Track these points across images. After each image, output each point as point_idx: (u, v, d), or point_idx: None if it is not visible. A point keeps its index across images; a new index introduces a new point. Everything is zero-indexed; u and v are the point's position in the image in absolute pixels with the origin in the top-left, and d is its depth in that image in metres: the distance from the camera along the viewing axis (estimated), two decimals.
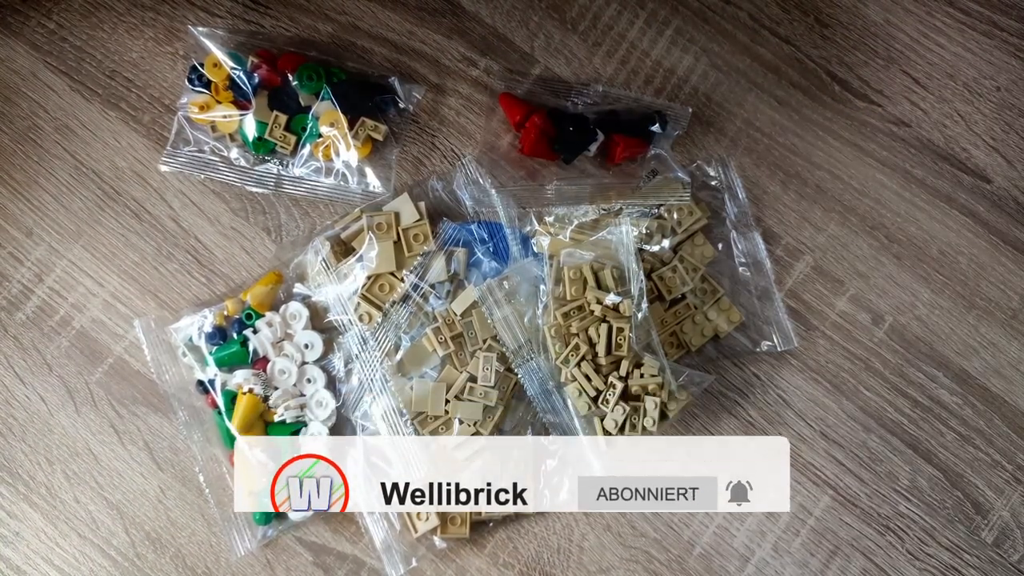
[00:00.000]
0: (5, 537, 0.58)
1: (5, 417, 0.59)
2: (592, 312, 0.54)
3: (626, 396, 0.54)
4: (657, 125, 0.59)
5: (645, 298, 0.54)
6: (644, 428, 0.53)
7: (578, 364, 0.54)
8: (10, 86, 0.61)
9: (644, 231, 0.57)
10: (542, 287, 0.56)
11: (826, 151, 0.61)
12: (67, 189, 0.60)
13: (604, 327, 0.53)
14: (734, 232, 0.59)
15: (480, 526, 0.57)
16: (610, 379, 0.53)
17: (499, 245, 0.59)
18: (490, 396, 0.56)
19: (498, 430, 0.57)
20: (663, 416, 0.54)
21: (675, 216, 0.58)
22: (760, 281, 0.59)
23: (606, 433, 0.54)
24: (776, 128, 0.61)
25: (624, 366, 0.53)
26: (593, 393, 0.54)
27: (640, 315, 0.54)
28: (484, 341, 0.57)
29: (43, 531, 0.58)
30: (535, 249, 0.58)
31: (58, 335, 0.59)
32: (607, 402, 0.53)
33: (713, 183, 0.60)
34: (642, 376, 0.53)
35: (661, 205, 0.58)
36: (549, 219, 0.58)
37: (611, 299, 0.54)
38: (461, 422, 0.56)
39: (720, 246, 0.59)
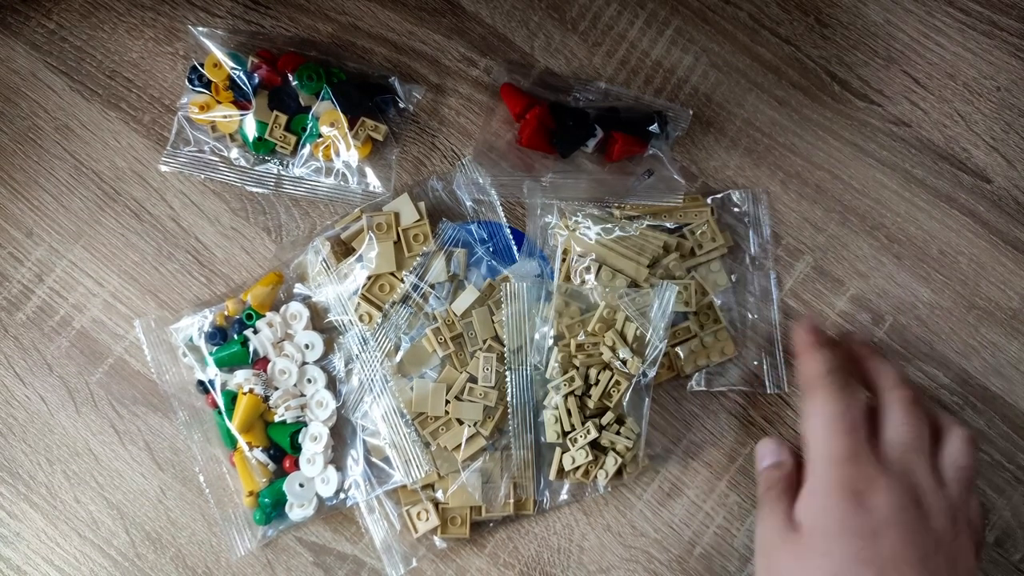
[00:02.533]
0: (5, 537, 0.58)
1: (5, 417, 0.59)
2: (601, 354, 0.54)
3: (595, 443, 0.54)
4: (656, 126, 0.58)
5: (656, 368, 0.54)
6: (595, 480, 0.55)
7: (566, 396, 0.54)
8: (10, 86, 0.61)
9: (661, 248, 0.57)
10: (542, 298, 0.56)
11: (826, 151, 0.61)
12: (67, 189, 0.60)
13: (607, 374, 0.53)
14: (750, 267, 0.59)
15: (480, 526, 0.57)
16: (588, 424, 0.54)
17: (499, 245, 0.59)
18: (490, 396, 0.56)
19: (498, 430, 0.57)
20: (618, 474, 0.55)
21: (697, 238, 0.58)
22: (765, 318, 0.59)
23: (560, 468, 0.55)
24: (776, 128, 0.61)
25: (607, 417, 0.54)
26: (567, 428, 0.54)
27: (644, 380, 0.54)
28: (484, 341, 0.57)
29: (43, 531, 0.58)
30: (550, 241, 0.58)
31: (58, 335, 0.59)
32: (575, 442, 0.54)
33: (738, 210, 0.59)
34: (618, 433, 0.54)
35: (688, 224, 0.58)
36: (574, 215, 0.58)
37: (625, 353, 0.54)
38: (461, 422, 0.56)
39: (734, 277, 0.59)
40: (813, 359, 0.50)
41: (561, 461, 0.55)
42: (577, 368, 0.54)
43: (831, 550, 0.44)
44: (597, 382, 0.54)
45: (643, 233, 0.57)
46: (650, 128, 0.59)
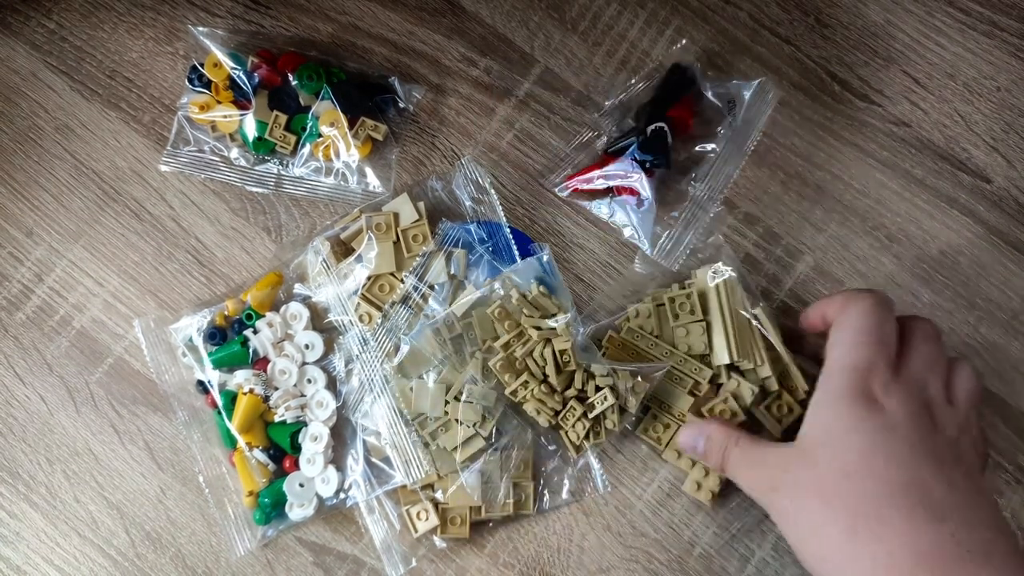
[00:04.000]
0: (5, 537, 0.58)
1: (5, 417, 0.59)
2: (529, 339, 0.54)
3: (585, 413, 0.55)
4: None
5: (579, 321, 0.54)
6: (606, 430, 0.55)
7: (531, 392, 0.54)
8: (10, 86, 0.61)
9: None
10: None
11: (826, 151, 0.61)
12: (67, 189, 0.60)
13: (548, 349, 0.53)
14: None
15: (480, 526, 0.57)
16: (569, 403, 0.54)
17: (499, 245, 0.59)
18: (489, 397, 0.56)
19: (497, 431, 0.56)
20: (622, 411, 0.54)
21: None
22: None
23: (573, 444, 0.55)
24: (776, 128, 0.61)
25: (578, 378, 0.54)
26: (551, 414, 0.54)
27: (581, 332, 0.54)
28: (484, 342, 0.56)
29: (43, 531, 0.58)
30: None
31: (58, 335, 0.59)
32: (568, 420, 0.54)
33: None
34: (597, 389, 0.54)
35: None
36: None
37: (544, 321, 0.54)
38: (460, 423, 0.56)
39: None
40: (856, 290, 0.51)
41: (569, 439, 0.55)
42: (526, 365, 0.54)
43: (843, 451, 0.44)
44: (546, 361, 0.54)
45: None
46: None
